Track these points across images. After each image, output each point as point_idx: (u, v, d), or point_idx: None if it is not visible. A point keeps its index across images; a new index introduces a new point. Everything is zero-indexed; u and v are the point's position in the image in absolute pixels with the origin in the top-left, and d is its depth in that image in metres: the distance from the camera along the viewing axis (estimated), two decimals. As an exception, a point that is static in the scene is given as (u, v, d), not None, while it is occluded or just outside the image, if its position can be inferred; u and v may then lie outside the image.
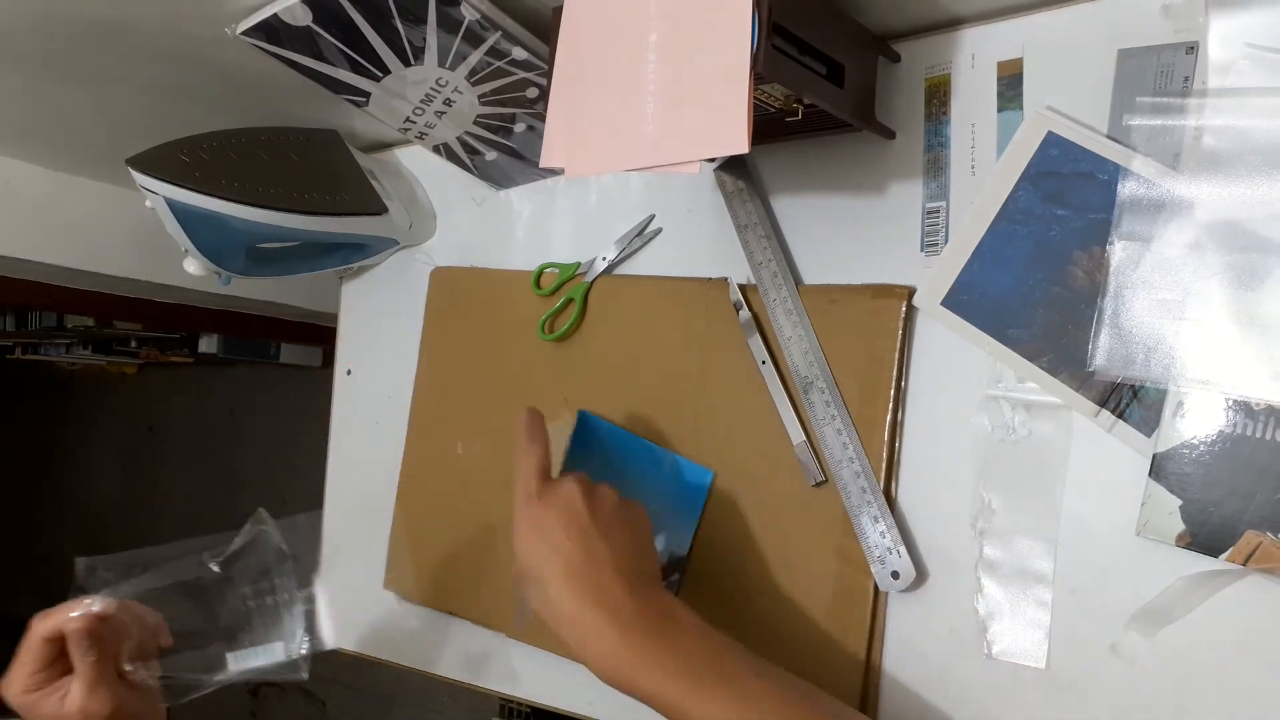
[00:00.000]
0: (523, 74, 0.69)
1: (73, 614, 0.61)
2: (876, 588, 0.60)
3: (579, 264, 0.78)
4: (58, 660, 0.61)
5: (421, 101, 0.73)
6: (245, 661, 0.69)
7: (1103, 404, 0.54)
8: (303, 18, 0.63)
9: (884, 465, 0.60)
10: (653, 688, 0.49)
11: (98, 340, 2.72)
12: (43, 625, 0.61)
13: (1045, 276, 0.56)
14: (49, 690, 0.61)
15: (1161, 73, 0.53)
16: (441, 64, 0.68)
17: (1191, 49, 0.52)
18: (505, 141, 0.78)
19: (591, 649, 0.50)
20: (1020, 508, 0.57)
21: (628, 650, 0.49)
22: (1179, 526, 0.50)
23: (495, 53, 0.66)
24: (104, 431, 3.32)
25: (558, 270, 0.79)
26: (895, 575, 0.59)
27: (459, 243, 0.90)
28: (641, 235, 0.75)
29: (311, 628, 0.72)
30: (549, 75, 0.57)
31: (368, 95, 0.73)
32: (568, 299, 0.77)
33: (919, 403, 0.61)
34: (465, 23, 0.64)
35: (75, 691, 0.60)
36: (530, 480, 0.57)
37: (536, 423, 0.60)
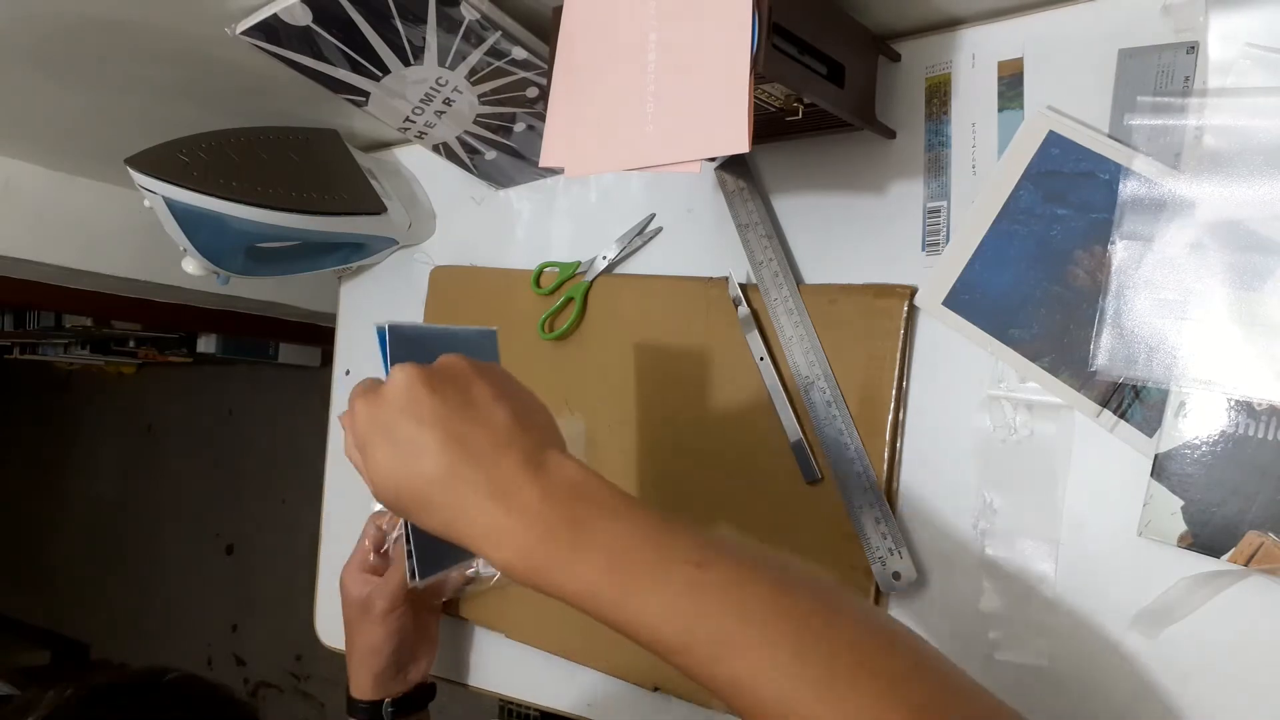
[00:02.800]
0: (522, 73, 0.69)
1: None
2: (878, 588, 0.60)
3: (579, 263, 0.78)
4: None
5: (421, 101, 0.73)
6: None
7: (1104, 404, 0.54)
8: (302, 17, 0.63)
9: (885, 465, 0.60)
10: (578, 590, 0.38)
11: (96, 340, 2.71)
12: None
13: (1046, 276, 0.56)
14: (366, 578, 0.74)
15: (1162, 72, 0.53)
16: (441, 63, 0.68)
17: (1192, 49, 0.52)
18: (505, 141, 0.78)
19: (498, 557, 0.39)
20: (1022, 508, 0.56)
21: (540, 550, 0.38)
22: (1181, 527, 0.50)
23: (495, 52, 0.66)
24: (102, 431, 3.32)
25: (558, 269, 0.79)
26: (896, 576, 0.59)
27: (458, 242, 0.90)
28: (642, 234, 0.75)
29: None
30: (549, 75, 0.57)
31: (367, 95, 0.73)
32: (568, 298, 0.77)
33: (920, 403, 0.61)
34: (465, 22, 0.63)
35: (394, 573, 0.72)
36: (355, 394, 0.45)
37: None
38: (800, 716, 0.35)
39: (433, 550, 0.47)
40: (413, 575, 0.49)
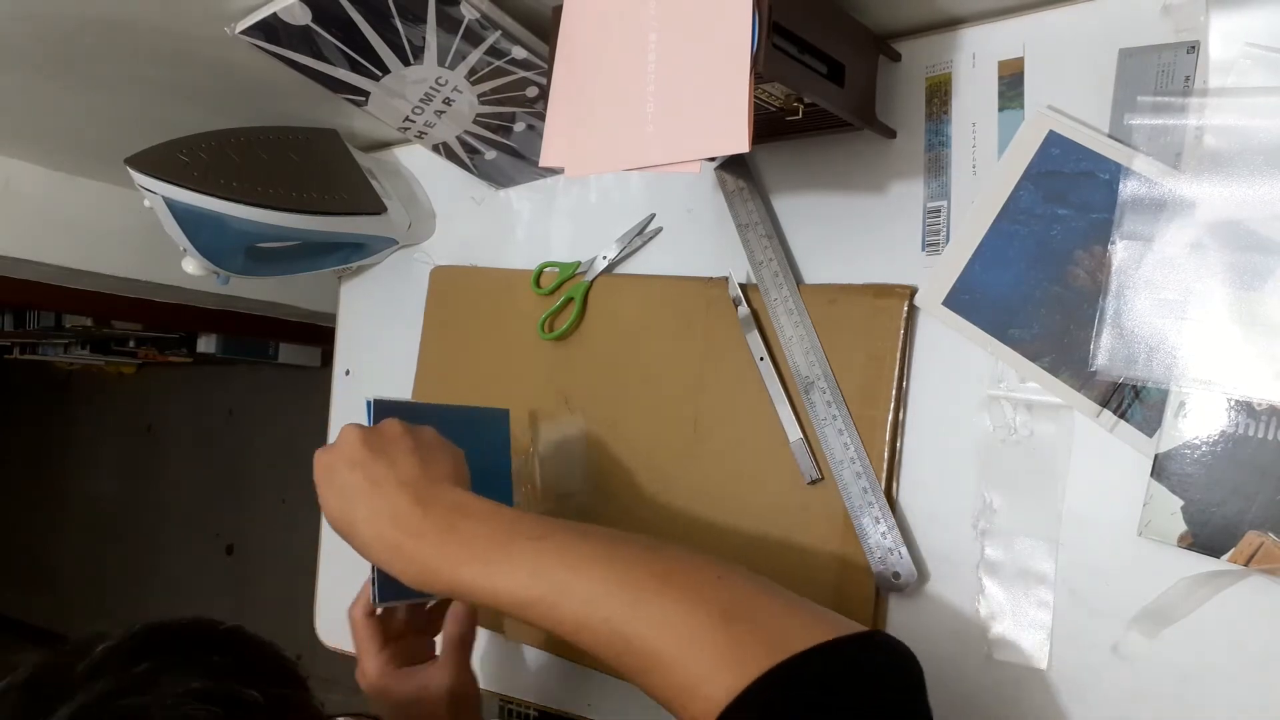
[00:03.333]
0: (522, 73, 0.69)
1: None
2: (878, 588, 0.59)
3: (579, 263, 0.78)
4: (394, 634, 0.65)
5: (421, 101, 0.73)
6: None
7: (1104, 404, 0.54)
8: (302, 17, 0.63)
9: (885, 465, 0.60)
10: (453, 580, 0.48)
11: (96, 340, 2.71)
12: (356, 608, 0.65)
13: (1047, 276, 0.56)
14: (408, 673, 0.64)
15: (1162, 72, 0.53)
16: (441, 63, 0.68)
17: (1192, 48, 0.52)
18: (505, 141, 0.78)
19: (396, 567, 0.49)
20: (1022, 508, 0.56)
21: (424, 556, 0.49)
22: (1181, 527, 0.50)
23: (495, 52, 0.66)
24: (102, 431, 3.31)
25: (558, 269, 0.79)
26: (896, 576, 0.59)
27: (458, 242, 0.90)
28: (642, 234, 0.75)
29: None
30: (549, 74, 0.57)
31: (367, 94, 0.73)
32: (568, 298, 0.77)
33: (920, 403, 0.60)
34: (465, 22, 0.63)
35: (443, 676, 0.63)
36: (317, 451, 0.56)
37: None
38: (624, 634, 0.44)
39: (392, 580, 0.51)
40: (374, 600, 0.59)
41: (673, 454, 0.70)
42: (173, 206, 0.74)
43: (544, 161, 0.57)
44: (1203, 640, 0.51)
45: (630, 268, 0.76)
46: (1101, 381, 0.54)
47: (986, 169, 0.59)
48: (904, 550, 0.58)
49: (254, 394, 2.78)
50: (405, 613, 0.67)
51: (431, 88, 0.71)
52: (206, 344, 2.34)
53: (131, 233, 1.14)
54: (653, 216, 0.75)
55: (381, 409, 0.60)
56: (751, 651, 0.43)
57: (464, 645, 0.66)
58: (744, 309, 0.67)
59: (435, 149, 0.81)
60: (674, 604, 0.44)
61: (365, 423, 0.57)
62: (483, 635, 0.81)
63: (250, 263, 0.84)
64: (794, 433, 0.63)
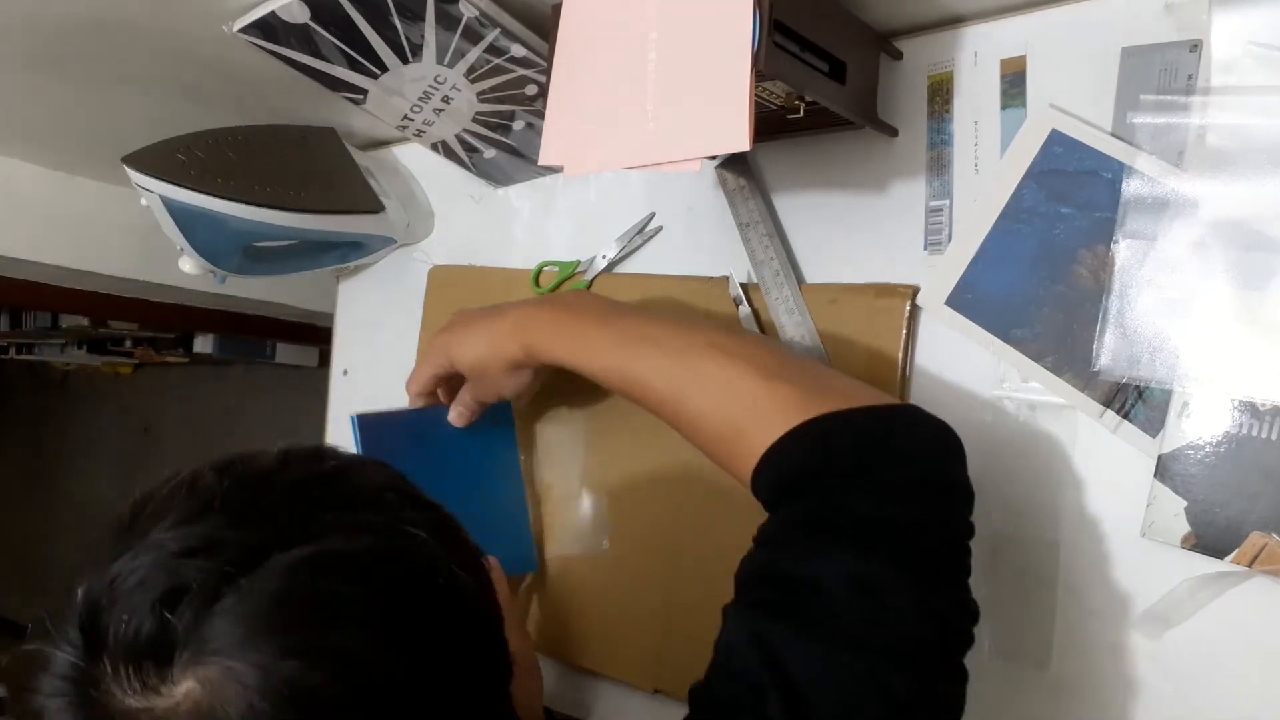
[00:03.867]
0: (521, 71, 0.68)
1: None
2: (879, 589, 0.59)
3: (578, 262, 0.77)
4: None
5: (419, 99, 0.73)
6: None
7: (1107, 404, 0.53)
8: (300, 15, 0.62)
9: (886, 466, 0.60)
10: (557, 356, 0.58)
11: (92, 340, 2.70)
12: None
13: (1049, 275, 0.55)
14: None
15: (1165, 71, 0.53)
16: (440, 61, 0.68)
17: (1195, 47, 0.52)
18: (504, 139, 0.78)
19: (511, 348, 0.60)
20: (1023, 508, 0.56)
21: (537, 342, 0.59)
22: (1184, 528, 0.50)
23: (494, 50, 0.66)
24: (99, 432, 3.31)
25: (557, 269, 0.78)
26: (898, 576, 0.58)
27: (457, 241, 0.89)
28: (642, 233, 0.75)
29: None
30: (548, 72, 0.57)
31: (365, 93, 0.72)
32: (567, 298, 0.77)
33: (922, 402, 0.60)
34: (464, 20, 0.63)
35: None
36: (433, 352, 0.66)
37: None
38: (677, 395, 0.52)
39: None
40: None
41: (673, 454, 0.70)
42: (170, 205, 0.74)
43: (543, 160, 0.56)
44: (1206, 642, 0.50)
45: (630, 267, 0.76)
46: (1104, 381, 0.53)
47: (989, 168, 0.59)
48: (905, 551, 0.58)
49: (251, 394, 2.78)
50: None
51: (430, 86, 0.71)
52: (203, 344, 2.33)
53: (129, 232, 1.14)
54: (653, 215, 0.75)
55: (366, 425, 0.62)
56: (792, 403, 0.47)
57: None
58: (745, 308, 0.66)
59: (434, 147, 0.81)
60: (719, 365, 0.51)
61: (353, 440, 0.62)
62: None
63: (247, 262, 0.84)
64: (795, 433, 0.63)
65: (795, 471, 0.47)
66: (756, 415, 0.48)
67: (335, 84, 0.71)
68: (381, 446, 0.64)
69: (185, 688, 0.33)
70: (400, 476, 0.43)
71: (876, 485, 0.44)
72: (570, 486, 0.76)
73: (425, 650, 0.36)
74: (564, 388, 0.77)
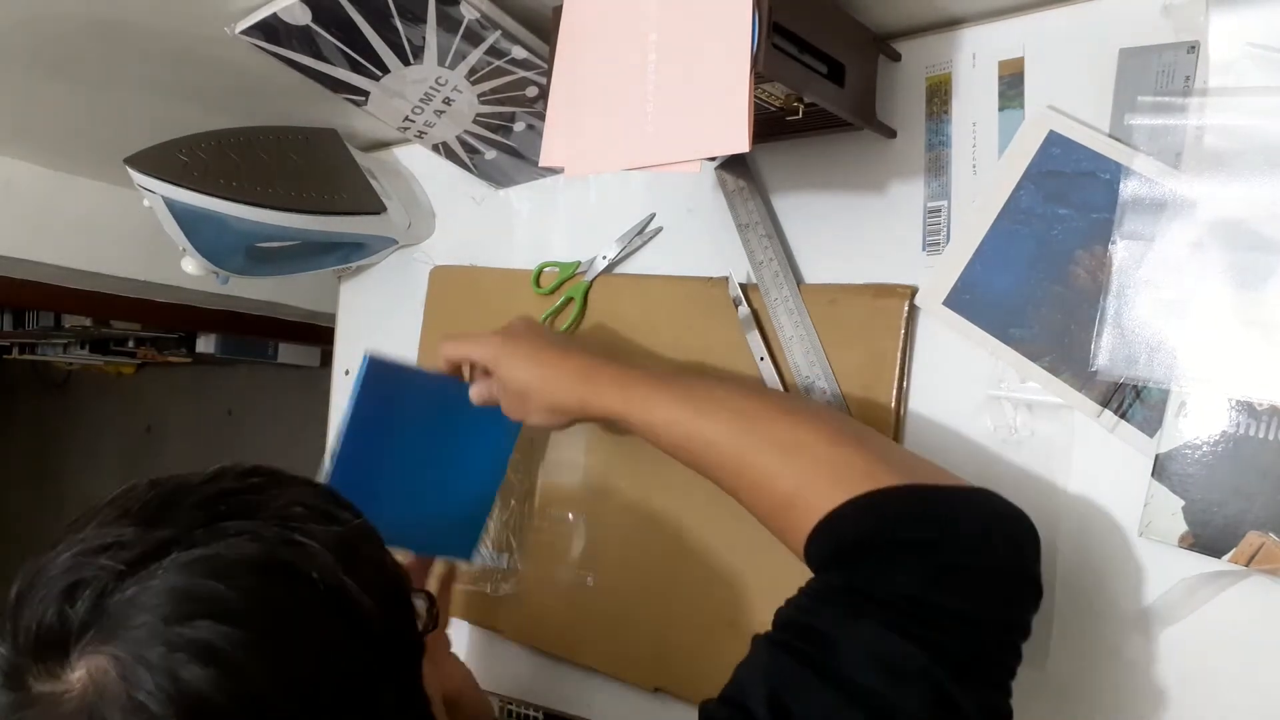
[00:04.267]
0: (522, 73, 0.69)
1: None
2: (878, 588, 0.59)
3: (579, 263, 0.78)
4: None
5: (421, 100, 0.73)
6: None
7: (1105, 404, 0.54)
8: (302, 17, 0.63)
9: (885, 465, 0.60)
10: (614, 409, 0.57)
11: (95, 340, 2.71)
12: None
13: (1047, 276, 0.56)
14: None
15: (1163, 72, 0.53)
16: (441, 63, 0.68)
17: (1192, 48, 0.52)
18: (505, 140, 0.78)
19: (571, 399, 0.59)
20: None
21: (598, 393, 0.58)
22: (1182, 527, 0.50)
23: (495, 52, 0.66)
24: (102, 431, 3.31)
25: (558, 269, 0.79)
26: (896, 576, 0.58)
27: (458, 241, 0.90)
28: (642, 234, 0.75)
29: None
30: (549, 74, 0.57)
31: (367, 94, 0.73)
32: (568, 298, 0.77)
33: (921, 403, 0.60)
34: (465, 22, 0.63)
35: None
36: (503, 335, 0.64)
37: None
38: (738, 451, 0.51)
39: None
40: None
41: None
42: (172, 206, 0.74)
43: (544, 161, 0.57)
44: (1204, 641, 0.51)
45: (630, 267, 0.76)
46: (1102, 381, 0.54)
47: (987, 169, 0.59)
48: (904, 550, 0.58)
49: (254, 394, 2.78)
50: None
51: (431, 87, 0.71)
52: (206, 344, 2.34)
53: (131, 233, 1.14)
54: (653, 216, 0.75)
55: (374, 366, 0.62)
56: (855, 473, 0.46)
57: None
58: (744, 309, 0.67)
59: (435, 149, 0.81)
60: (786, 428, 0.50)
61: (357, 376, 0.62)
62: (483, 635, 0.81)
63: (250, 262, 0.84)
64: (794, 433, 0.63)
65: (851, 540, 0.45)
66: (819, 480, 0.47)
67: (337, 86, 0.71)
68: (380, 391, 0.64)
69: (79, 674, 0.36)
70: (322, 493, 0.44)
71: (933, 568, 0.43)
72: (572, 488, 0.76)
73: (298, 657, 0.38)
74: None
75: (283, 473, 0.45)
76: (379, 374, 0.63)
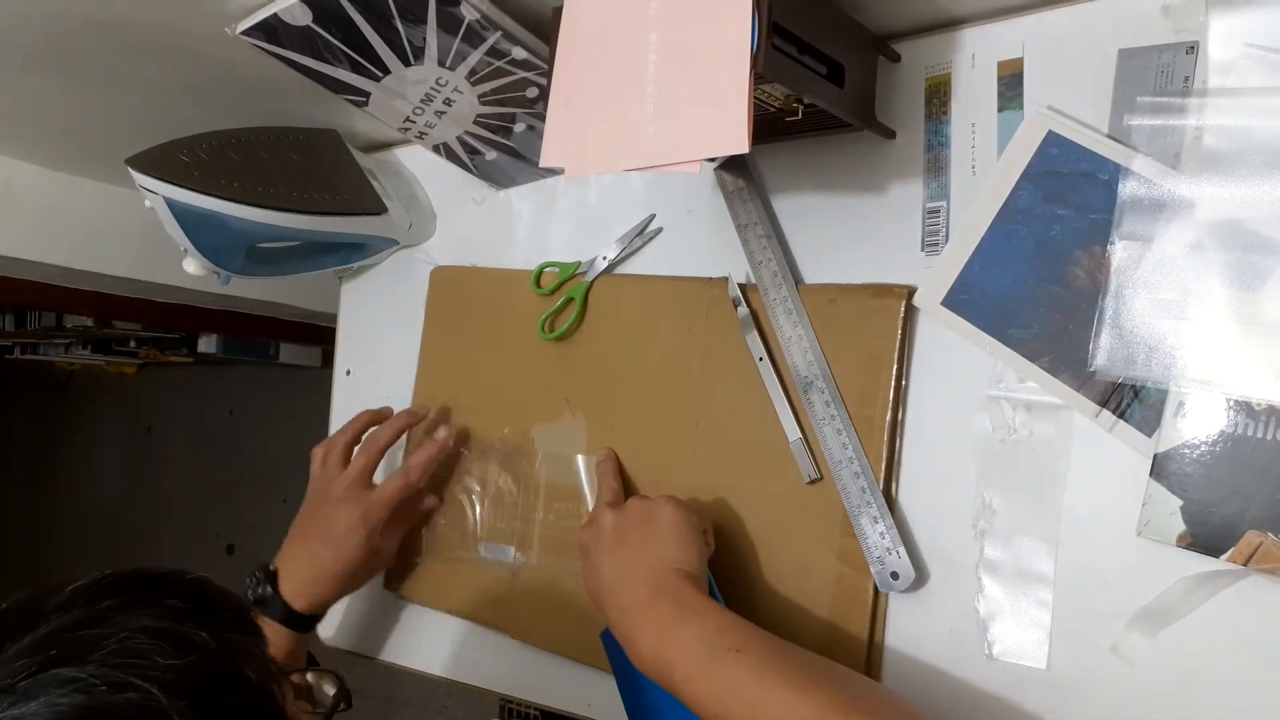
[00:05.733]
0: (523, 74, 0.69)
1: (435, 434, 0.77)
2: (876, 588, 0.60)
3: (579, 263, 0.78)
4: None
5: (421, 101, 0.73)
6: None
7: (1104, 404, 0.54)
8: (302, 17, 0.63)
9: (884, 465, 0.60)
10: (666, 675, 0.53)
11: (96, 340, 2.71)
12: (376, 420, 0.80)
13: (1046, 276, 0.56)
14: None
15: (1162, 72, 0.53)
16: (441, 64, 0.68)
17: (1192, 49, 0.52)
18: (505, 141, 0.78)
19: (625, 639, 0.57)
20: (1021, 508, 0.56)
21: (647, 645, 0.55)
22: (1180, 527, 0.50)
23: (495, 52, 0.66)
24: (103, 431, 3.31)
25: (558, 269, 0.79)
26: (895, 576, 0.59)
27: (459, 242, 0.90)
28: (642, 235, 0.75)
29: None
30: (549, 75, 0.57)
31: (367, 95, 0.73)
32: (568, 298, 0.77)
33: (919, 403, 0.61)
34: (465, 22, 0.63)
35: (393, 487, 0.75)
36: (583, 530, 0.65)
37: (607, 463, 0.72)
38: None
39: None
40: None
41: (672, 453, 0.70)
42: (173, 207, 0.74)
43: (544, 162, 0.57)
44: (1202, 640, 0.51)
45: (630, 268, 0.76)
46: (1101, 381, 0.54)
47: (986, 169, 0.59)
48: (902, 550, 0.58)
49: (255, 394, 2.78)
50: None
51: (432, 88, 0.72)
52: (207, 344, 2.34)
53: (132, 233, 1.15)
54: (653, 217, 0.75)
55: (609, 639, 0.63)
56: None
57: (399, 480, 0.75)
58: (743, 309, 0.67)
59: (436, 149, 0.81)
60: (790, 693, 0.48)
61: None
62: (483, 634, 0.81)
63: (251, 263, 0.84)
64: (793, 432, 0.63)
65: None
66: None
67: (337, 86, 0.71)
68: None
69: None
70: (180, 612, 0.41)
71: None
72: (576, 485, 0.76)
73: None
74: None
75: (146, 586, 0.42)
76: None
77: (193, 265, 0.82)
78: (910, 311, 0.61)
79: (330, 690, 0.45)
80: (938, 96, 0.61)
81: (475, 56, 0.67)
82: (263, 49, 0.66)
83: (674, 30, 0.51)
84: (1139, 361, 0.52)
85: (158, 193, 0.73)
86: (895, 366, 0.60)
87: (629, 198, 0.77)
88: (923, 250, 0.61)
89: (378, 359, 0.95)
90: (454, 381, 0.86)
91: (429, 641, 0.85)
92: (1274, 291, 0.48)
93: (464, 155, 0.81)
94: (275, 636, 0.70)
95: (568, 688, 0.76)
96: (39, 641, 0.37)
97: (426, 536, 0.85)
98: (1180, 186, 0.51)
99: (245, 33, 0.65)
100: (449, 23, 0.64)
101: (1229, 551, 0.49)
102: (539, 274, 0.80)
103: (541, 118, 0.63)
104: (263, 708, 0.40)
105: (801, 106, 0.56)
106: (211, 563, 2.86)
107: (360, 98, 0.73)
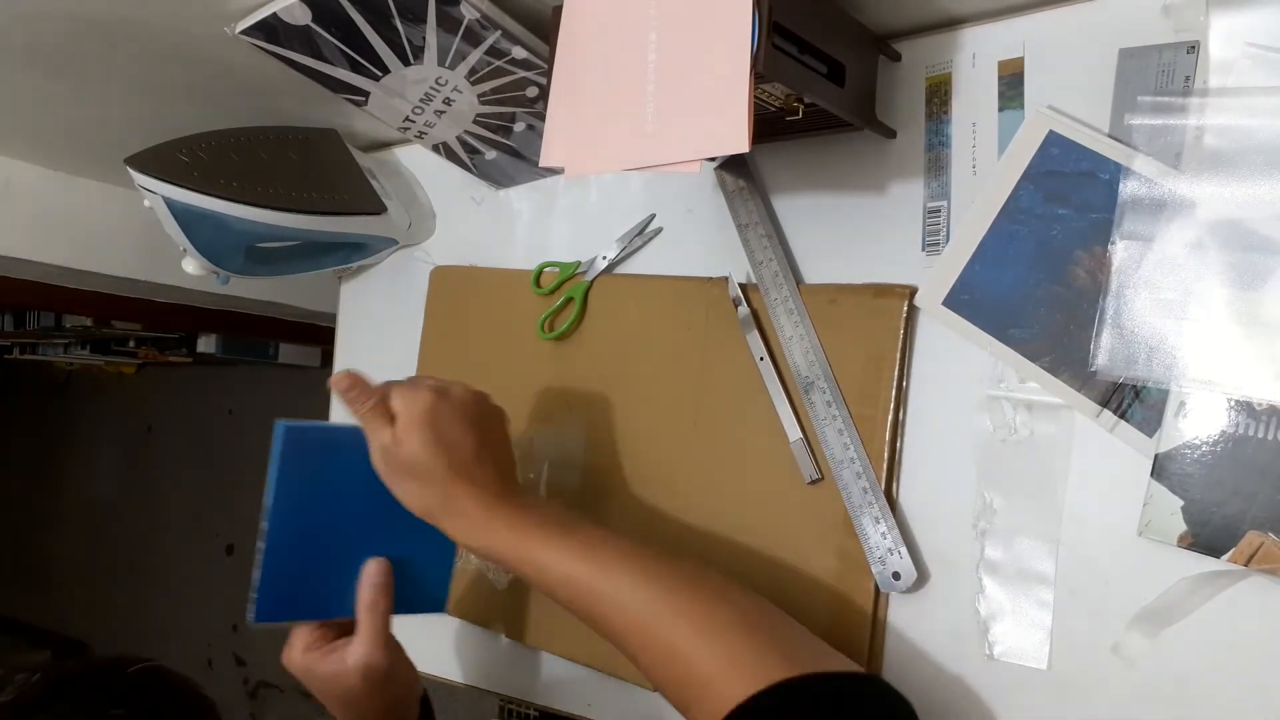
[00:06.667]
0: (522, 73, 0.69)
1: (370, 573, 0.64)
2: (877, 588, 0.59)
3: (579, 263, 0.78)
4: (335, 624, 0.63)
5: (421, 101, 0.73)
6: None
7: (1104, 404, 0.54)
8: (302, 17, 0.63)
9: (885, 465, 0.60)
10: (499, 550, 0.55)
11: (96, 340, 2.71)
12: None
13: (1047, 276, 0.56)
14: (327, 650, 0.61)
15: (1163, 72, 0.53)
16: (441, 63, 0.68)
17: (1192, 48, 0.52)
18: (505, 141, 0.78)
19: (454, 531, 0.57)
20: (1022, 508, 0.56)
21: (483, 529, 0.56)
22: (1181, 527, 0.50)
23: (495, 52, 0.66)
24: (102, 432, 3.32)
25: (558, 269, 0.79)
26: (896, 576, 0.59)
27: (458, 242, 0.90)
28: (642, 234, 0.75)
29: None
30: (549, 74, 0.57)
31: (367, 94, 0.73)
32: (567, 298, 0.77)
33: (920, 403, 0.60)
34: (465, 22, 0.63)
35: (356, 648, 0.60)
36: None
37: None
38: (650, 625, 0.50)
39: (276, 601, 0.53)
40: (250, 618, 0.58)
41: (673, 454, 0.70)
42: (173, 206, 0.74)
43: (544, 162, 0.57)
44: (1203, 640, 0.51)
45: (630, 268, 0.76)
46: (1101, 381, 0.54)
47: (986, 169, 0.59)
48: (903, 550, 0.58)
49: (254, 394, 2.78)
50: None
51: (431, 88, 0.72)
52: (206, 344, 2.34)
53: (131, 233, 1.14)
54: (653, 216, 0.75)
55: (292, 435, 0.58)
56: (769, 661, 0.46)
57: (374, 611, 0.62)
58: (744, 309, 0.67)
59: (435, 149, 0.81)
60: (702, 604, 0.50)
61: (274, 450, 0.58)
62: (483, 635, 0.81)
63: (250, 263, 0.84)
64: (794, 432, 0.63)
65: None
66: (732, 667, 0.47)
67: (337, 86, 0.71)
68: (304, 459, 0.59)
69: None
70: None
71: None
72: (572, 486, 0.76)
73: None
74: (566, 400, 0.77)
75: (87, 697, 0.41)
76: (298, 441, 0.59)
77: (192, 265, 0.82)
78: (911, 311, 0.61)
79: None
80: (938, 96, 0.61)
81: (475, 56, 0.67)
82: (262, 48, 0.66)
83: (674, 29, 0.51)
84: (1140, 361, 0.52)
85: (157, 192, 0.73)
86: (896, 366, 0.60)
87: (629, 197, 0.77)
88: (923, 250, 0.61)
89: (377, 359, 0.95)
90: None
91: (429, 642, 0.85)
92: (1275, 291, 0.48)
93: (464, 155, 0.81)
94: None
95: (567, 688, 0.75)
96: None
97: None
98: (1181, 186, 0.51)
99: (245, 32, 0.65)
100: (448, 22, 0.64)
101: (1230, 552, 0.49)
102: (539, 274, 0.80)
103: (541, 117, 0.63)
104: None
105: (802, 106, 0.56)
106: (211, 563, 2.86)
107: (360, 97, 0.73)
